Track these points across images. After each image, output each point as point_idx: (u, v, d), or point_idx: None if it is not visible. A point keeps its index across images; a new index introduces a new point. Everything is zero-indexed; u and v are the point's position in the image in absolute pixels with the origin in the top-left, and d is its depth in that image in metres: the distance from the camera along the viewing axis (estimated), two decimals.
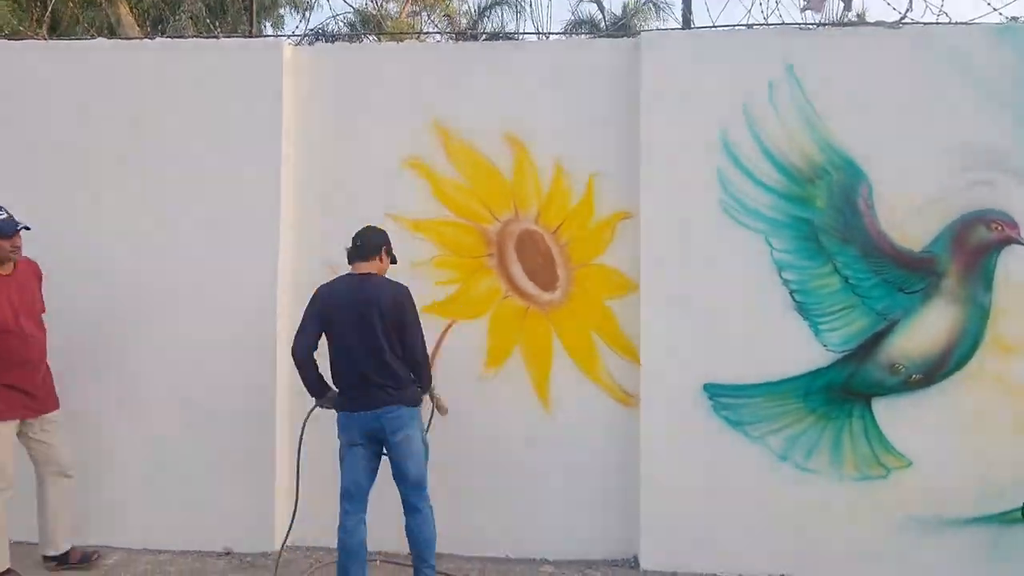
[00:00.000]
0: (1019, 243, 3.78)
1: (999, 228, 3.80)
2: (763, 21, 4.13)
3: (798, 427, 3.89)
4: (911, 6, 3.89)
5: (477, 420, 4.07)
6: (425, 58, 4.23)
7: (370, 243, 3.48)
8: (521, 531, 4.09)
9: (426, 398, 3.60)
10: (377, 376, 3.33)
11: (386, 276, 3.51)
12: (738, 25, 4.07)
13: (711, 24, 4.12)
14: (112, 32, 12.14)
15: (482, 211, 4.15)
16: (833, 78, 3.88)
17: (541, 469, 4.08)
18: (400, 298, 3.40)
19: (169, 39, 4.39)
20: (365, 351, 3.32)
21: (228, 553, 4.10)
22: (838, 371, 3.87)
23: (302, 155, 4.21)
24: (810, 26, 4.02)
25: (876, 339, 3.86)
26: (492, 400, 4.08)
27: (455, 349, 4.11)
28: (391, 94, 4.17)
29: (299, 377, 3.46)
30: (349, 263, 3.49)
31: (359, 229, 3.55)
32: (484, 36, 15.02)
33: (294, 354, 3.41)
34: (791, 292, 3.90)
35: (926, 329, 3.84)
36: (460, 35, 15.96)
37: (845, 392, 3.87)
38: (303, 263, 4.19)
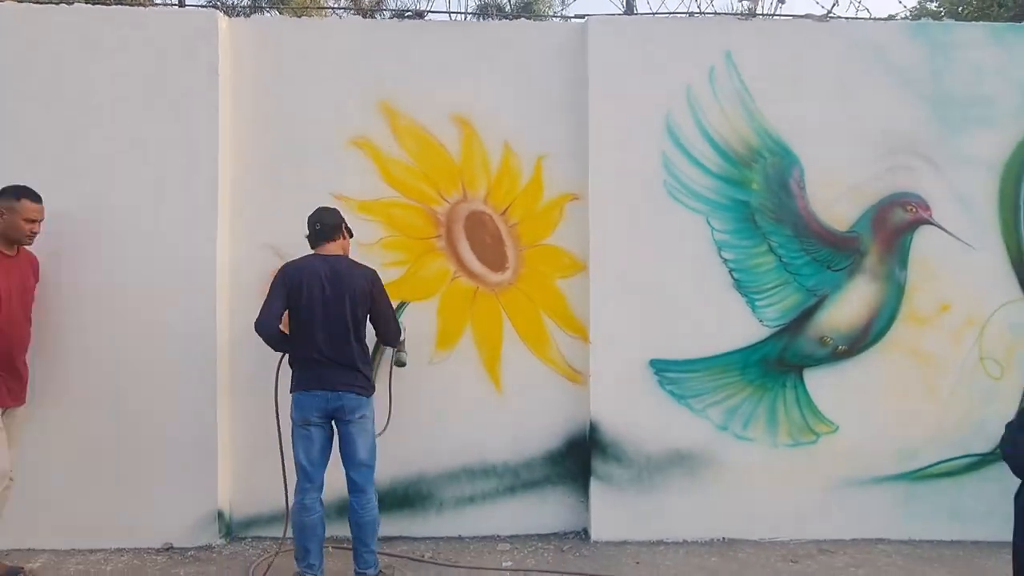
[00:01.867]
0: (931, 224, 4.12)
1: (914, 210, 4.13)
2: (699, 10, 4.28)
3: (737, 398, 4.11)
4: (837, 1, 4.12)
5: (428, 401, 4.07)
6: (371, 35, 4.12)
7: (329, 223, 3.45)
8: (474, 510, 4.12)
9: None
10: (340, 357, 3.31)
11: (350, 257, 3.51)
12: (680, 13, 4.20)
13: (652, 12, 4.22)
14: None
15: (430, 192, 4.12)
16: (768, 66, 4.09)
17: (492, 448, 4.13)
18: (370, 285, 3.42)
19: (94, 5, 4.05)
20: (329, 333, 3.31)
21: (168, 548, 3.92)
22: (773, 344, 4.11)
23: (241, 133, 4.04)
24: (746, 16, 4.20)
25: (807, 314, 4.12)
26: (443, 381, 4.08)
27: (406, 332, 4.05)
28: (336, 71, 4.06)
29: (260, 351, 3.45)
30: (313, 247, 3.45)
31: (311, 212, 3.48)
32: (389, 14, 14.71)
33: (260, 330, 3.33)
34: (730, 271, 4.10)
35: (850, 304, 4.14)
36: (364, 12, 15.55)
37: (779, 364, 4.11)
38: (243, 244, 4.04)
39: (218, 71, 3.93)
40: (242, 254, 4.04)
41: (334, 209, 3.55)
